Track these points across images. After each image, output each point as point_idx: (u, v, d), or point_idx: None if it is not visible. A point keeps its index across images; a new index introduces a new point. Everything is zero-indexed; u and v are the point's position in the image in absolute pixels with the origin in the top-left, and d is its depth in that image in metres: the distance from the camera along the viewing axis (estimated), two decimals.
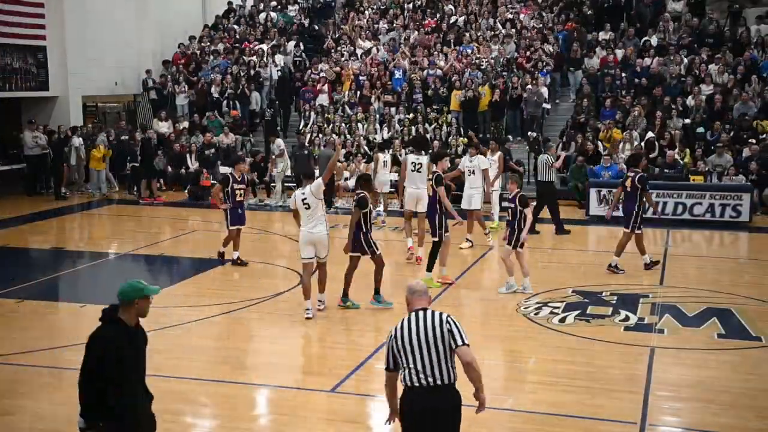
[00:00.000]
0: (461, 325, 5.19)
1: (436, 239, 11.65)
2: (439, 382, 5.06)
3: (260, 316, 10.55)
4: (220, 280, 12.59)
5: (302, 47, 25.63)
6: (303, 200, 10.12)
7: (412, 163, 13.60)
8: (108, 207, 19.87)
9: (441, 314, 5.19)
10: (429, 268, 11.73)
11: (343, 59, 24.48)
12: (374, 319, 10.33)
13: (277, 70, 24.69)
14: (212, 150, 21.18)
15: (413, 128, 21.11)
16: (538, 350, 9.26)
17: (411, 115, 21.66)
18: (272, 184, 20.10)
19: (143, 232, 16.82)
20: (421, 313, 5.18)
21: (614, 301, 11.02)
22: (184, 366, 8.66)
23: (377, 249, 10.43)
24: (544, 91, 21.66)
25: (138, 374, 5.05)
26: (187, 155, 21.72)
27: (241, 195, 12.81)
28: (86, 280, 13.19)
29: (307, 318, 10.10)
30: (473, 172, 14.53)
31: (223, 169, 21.18)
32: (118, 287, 4.98)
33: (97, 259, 14.16)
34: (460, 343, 5.08)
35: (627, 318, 10.29)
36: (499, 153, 16.01)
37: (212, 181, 19.32)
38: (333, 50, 25.39)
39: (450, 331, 5.09)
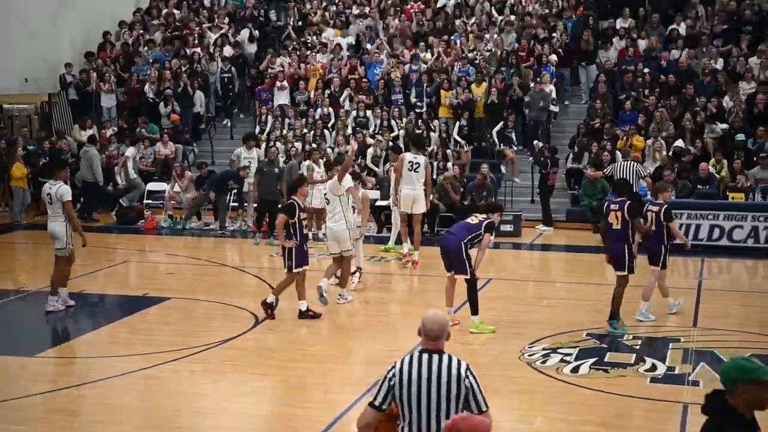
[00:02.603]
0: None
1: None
2: None
3: (205, 367, 10.48)
4: (155, 324, 12.49)
5: (257, 36, 25.80)
6: (324, 194, 13.10)
7: (410, 162, 15.21)
8: (15, 233, 19.68)
9: (459, 363, 5.12)
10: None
11: (309, 53, 24.51)
12: (349, 365, 10.30)
13: (226, 65, 24.70)
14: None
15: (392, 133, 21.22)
16: (545, 407, 9.25)
17: (390, 124, 21.77)
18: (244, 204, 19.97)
19: None
20: (435, 357, 5.10)
21: (638, 347, 11.08)
22: None
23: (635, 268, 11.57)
24: (551, 90, 21.88)
25: None
26: (116, 168, 21.61)
27: (305, 226, 12.62)
28: None
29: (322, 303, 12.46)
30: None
31: (155, 186, 21.06)
32: (725, 365, 4.62)
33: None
34: (484, 408, 5.08)
35: (654, 367, 10.33)
36: (391, 165, 16.72)
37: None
38: (295, 42, 25.51)
39: (470, 388, 5.06)
